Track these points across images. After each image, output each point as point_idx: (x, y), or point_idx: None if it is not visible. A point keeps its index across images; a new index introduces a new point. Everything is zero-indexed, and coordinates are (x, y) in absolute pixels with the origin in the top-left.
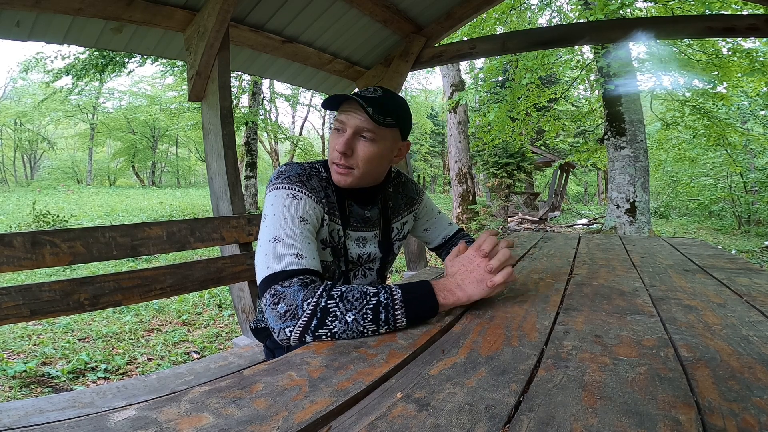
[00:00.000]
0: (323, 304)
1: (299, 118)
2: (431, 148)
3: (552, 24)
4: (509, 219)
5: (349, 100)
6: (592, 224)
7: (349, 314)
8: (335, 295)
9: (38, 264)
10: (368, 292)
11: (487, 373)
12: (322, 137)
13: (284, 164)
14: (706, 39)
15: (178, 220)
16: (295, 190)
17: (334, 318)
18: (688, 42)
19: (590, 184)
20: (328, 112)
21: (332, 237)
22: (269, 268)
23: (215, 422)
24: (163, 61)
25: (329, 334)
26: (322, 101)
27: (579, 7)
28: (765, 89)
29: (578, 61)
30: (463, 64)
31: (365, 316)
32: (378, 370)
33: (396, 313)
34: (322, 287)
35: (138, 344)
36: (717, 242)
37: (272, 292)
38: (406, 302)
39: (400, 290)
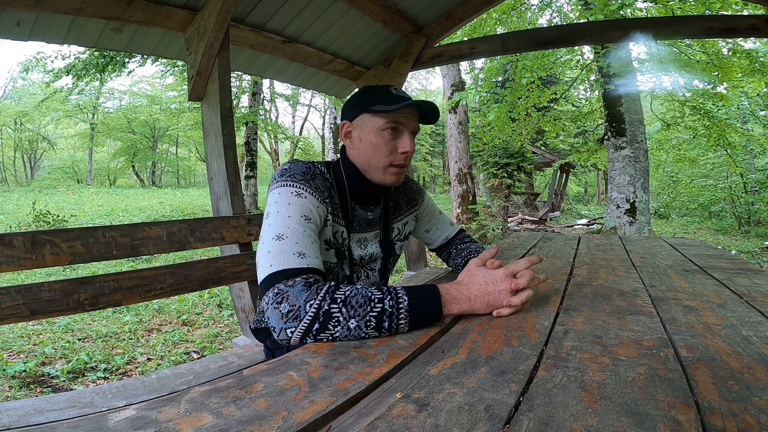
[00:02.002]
0: (326, 308)
1: (299, 118)
2: (431, 148)
3: (552, 24)
4: (509, 219)
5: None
6: (592, 224)
7: (352, 321)
8: (338, 299)
9: (38, 264)
10: (373, 297)
11: (486, 373)
12: (322, 137)
13: (288, 162)
14: (706, 39)
15: (178, 220)
16: (299, 188)
17: (336, 323)
18: (688, 42)
19: (590, 185)
20: (328, 111)
21: (336, 239)
22: (272, 266)
23: (215, 422)
24: (163, 61)
25: (330, 337)
26: (388, 104)
27: (579, 7)
28: (765, 89)
29: (578, 61)
30: (463, 64)
31: (368, 323)
32: (378, 370)
33: (400, 322)
34: (325, 289)
35: (138, 344)
36: (717, 242)
37: (275, 290)
38: (412, 311)
39: (406, 298)
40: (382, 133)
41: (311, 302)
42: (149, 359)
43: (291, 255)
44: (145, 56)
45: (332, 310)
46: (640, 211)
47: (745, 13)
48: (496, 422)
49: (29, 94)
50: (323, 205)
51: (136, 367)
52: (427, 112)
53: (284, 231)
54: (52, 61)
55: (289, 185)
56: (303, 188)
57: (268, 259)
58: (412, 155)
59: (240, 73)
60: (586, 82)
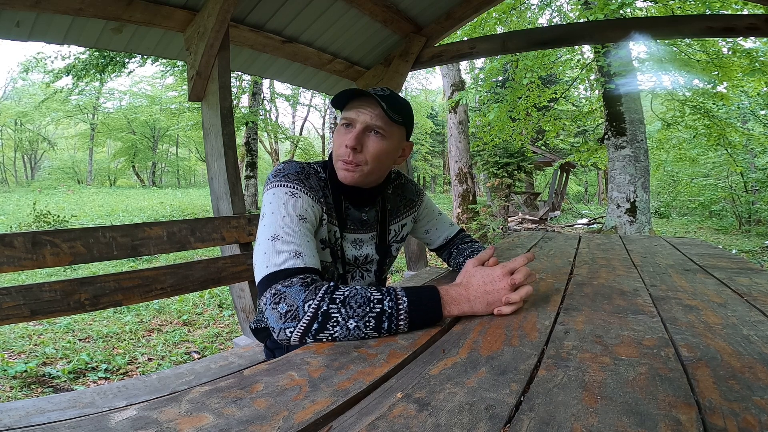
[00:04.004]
0: (324, 308)
1: (299, 118)
2: (431, 148)
3: (552, 24)
4: (509, 219)
5: (360, 97)
6: (593, 224)
7: (351, 321)
8: (337, 300)
9: (39, 264)
10: (372, 298)
11: (487, 372)
12: (322, 137)
13: (282, 162)
14: (706, 39)
15: (178, 220)
16: (293, 188)
17: (335, 323)
18: (688, 42)
19: (590, 184)
20: (328, 111)
21: (330, 238)
22: (268, 267)
23: (216, 422)
24: (163, 61)
25: (330, 337)
26: (332, 98)
27: (579, 7)
28: (765, 89)
29: (578, 61)
30: (463, 64)
31: (368, 324)
32: (378, 369)
33: (399, 323)
34: (323, 289)
35: (138, 344)
36: (717, 242)
37: (272, 291)
38: (411, 313)
39: (406, 299)
40: (339, 129)
41: (310, 302)
42: (150, 359)
43: (287, 255)
44: (145, 56)
45: (331, 311)
46: (640, 210)
47: (745, 12)
48: (496, 422)
49: (29, 95)
50: (318, 204)
51: (137, 367)
52: (391, 102)
53: (279, 231)
54: (52, 62)
55: (284, 185)
56: (297, 188)
57: (264, 260)
58: (358, 150)
59: (240, 73)
60: (586, 81)
